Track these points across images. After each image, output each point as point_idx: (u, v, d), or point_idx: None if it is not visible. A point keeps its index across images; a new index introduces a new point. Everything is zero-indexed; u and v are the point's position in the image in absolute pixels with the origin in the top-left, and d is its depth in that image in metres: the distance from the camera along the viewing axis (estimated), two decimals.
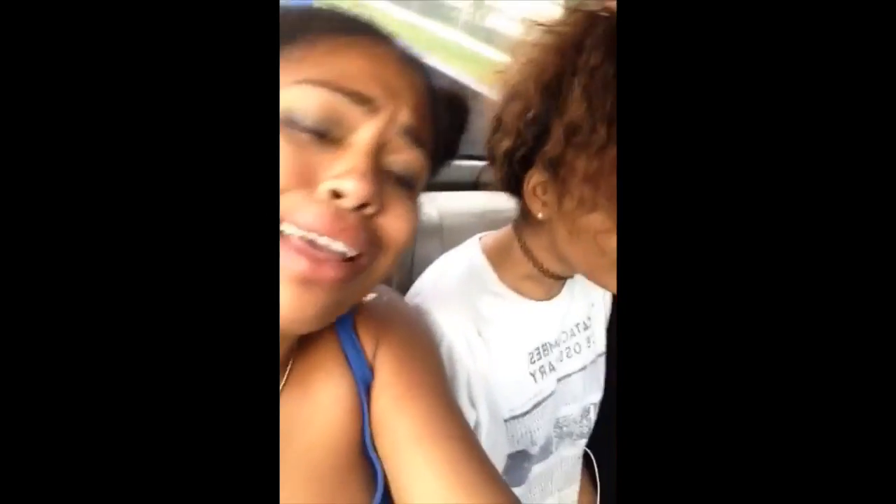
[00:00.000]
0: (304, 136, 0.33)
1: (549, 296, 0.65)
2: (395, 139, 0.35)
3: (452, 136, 0.47)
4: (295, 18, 0.36)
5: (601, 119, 0.47)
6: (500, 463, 0.62)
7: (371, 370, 0.43)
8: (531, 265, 0.61)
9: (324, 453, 0.40)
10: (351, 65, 0.34)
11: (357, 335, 0.45)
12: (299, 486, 0.38)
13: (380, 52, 0.37)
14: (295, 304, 0.32)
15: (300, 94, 0.33)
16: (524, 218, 0.61)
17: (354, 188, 0.32)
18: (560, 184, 0.52)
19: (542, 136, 0.52)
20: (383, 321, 0.46)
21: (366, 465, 0.41)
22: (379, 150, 0.35)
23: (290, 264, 0.31)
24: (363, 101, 0.34)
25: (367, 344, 0.44)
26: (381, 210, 0.35)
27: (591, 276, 0.58)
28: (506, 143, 0.54)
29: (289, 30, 0.34)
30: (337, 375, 0.43)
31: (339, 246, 0.33)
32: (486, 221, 0.77)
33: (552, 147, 0.50)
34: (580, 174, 0.49)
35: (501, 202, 0.65)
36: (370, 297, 0.46)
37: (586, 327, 0.73)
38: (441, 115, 0.42)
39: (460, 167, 0.97)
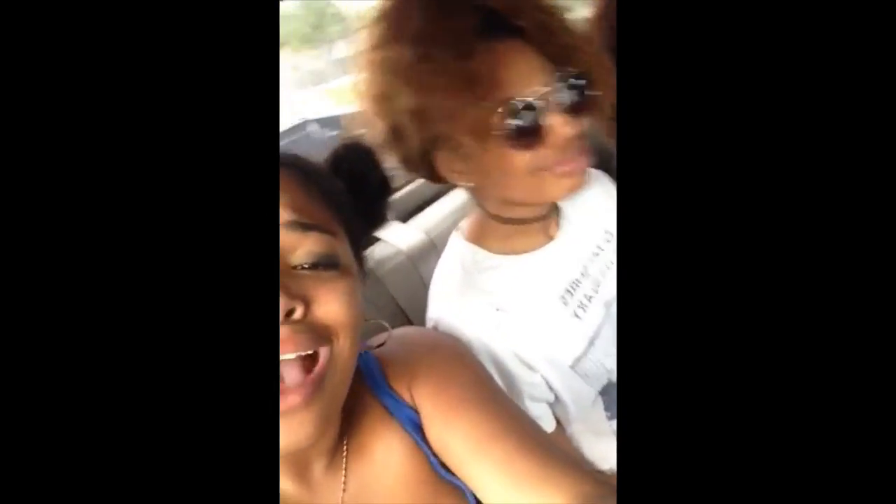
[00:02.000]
0: None
1: (547, 237, 0.66)
2: (285, 237, 0.37)
3: (363, 184, 0.49)
4: None
5: (426, 88, 0.49)
6: (590, 404, 0.63)
7: (414, 410, 0.46)
8: (505, 224, 0.62)
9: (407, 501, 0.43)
10: None
11: (392, 388, 0.47)
12: None
13: None
14: (289, 434, 0.34)
15: None
16: (470, 192, 0.63)
17: None
18: (457, 150, 0.54)
19: (408, 133, 0.53)
20: (408, 363, 0.48)
21: (451, 490, 0.44)
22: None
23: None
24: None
25: (403, 391, 0.47)
26: (309, 306, 0.36)
27: (542, 198, 0.59)
28: (401, 150, 0.56)
29: None
30: (383, 430, 0.46)
31: (287, 358, 0.35)
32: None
33: (418, 134, 0.53)
34: (453, 136, 0.52)
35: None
36: (378, 339, 0.48)
37: (611, 238, 0.71)
38: (330, 181, 0.44)
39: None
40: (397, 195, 1.00)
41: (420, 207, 0.98)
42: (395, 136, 0.54)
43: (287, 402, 0.34)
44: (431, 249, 0.86)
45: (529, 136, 0.52)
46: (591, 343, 0.63)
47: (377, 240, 0.90)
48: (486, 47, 0.50)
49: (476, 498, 0.43)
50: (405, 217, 0.94)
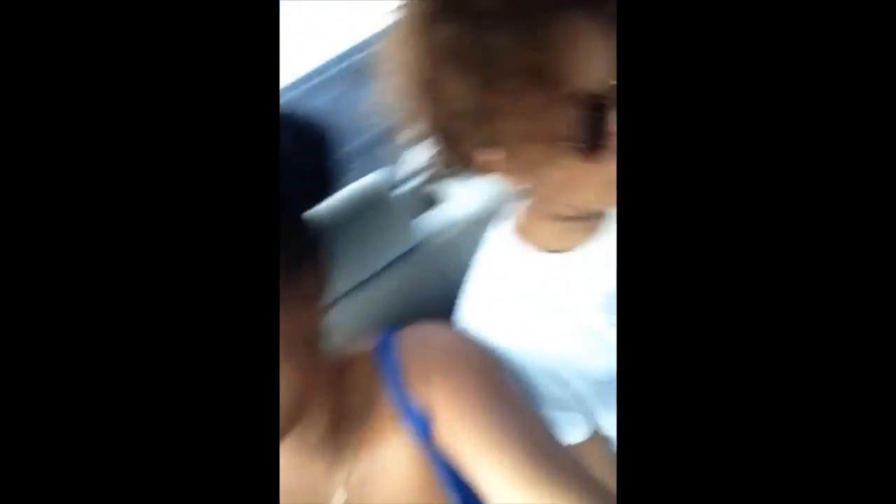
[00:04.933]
0: None
1: (595, 234, 0.58)
2: None
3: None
4: None
5: (480, 85, 0.42)
6: None
7: (426, 415, 0.44)
8: (556, 222, 0.56)
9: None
10: None
11: (407, 390, 0.45)
12: None
13: None
14: None
15: None
16: (524, 191, 0.57)
17: None
18: (516, 154, 0.46)
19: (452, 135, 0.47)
20: (428, 365, 0.46)
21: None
22: None
23: None
24: None
25: (419, 393, 0.45)
26: None
27: (604, 204, 0.51)
28: (443, 143, 0.49)
29: None
30: (391, 433, 0.45)
31: None
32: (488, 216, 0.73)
33: (469, 137, 0.45)
34: (512, 140, 0.44)
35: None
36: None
37: None
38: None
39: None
40: None
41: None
42: (438, 131, 0.48)
43: None
44: (485, 219, 0.78)
45: (598, 142, 0.43)
46: None
47: (431, 203, 0.87)
48: (556, 23, 0.41)
49: None
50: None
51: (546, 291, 0.56)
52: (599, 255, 0.58)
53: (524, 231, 0.59)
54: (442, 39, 0.43)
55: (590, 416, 0.56)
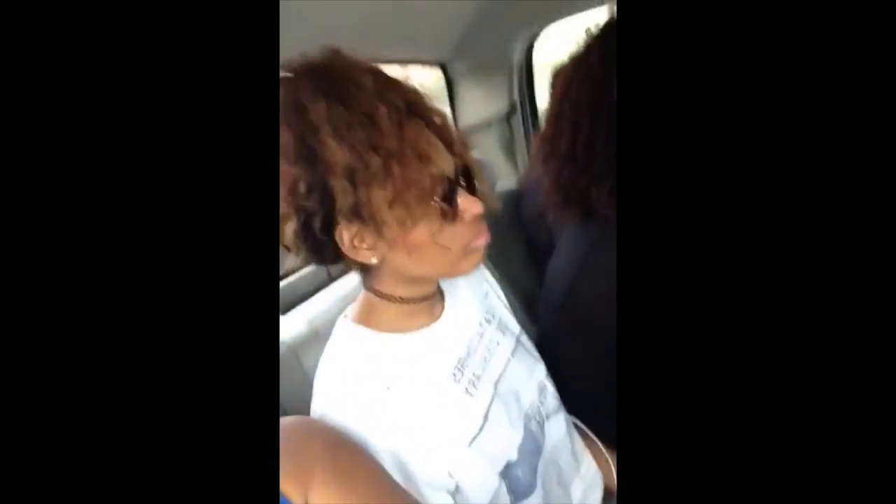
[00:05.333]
0: None
1: (433, 317, 0.65)
2: None
3: None
4: None
5: (365, 149, 0.49)
6: (494, 490, 0.59)
7: None
8: (395, 304, 0.60)
9: None
10: None
11: (284, 494, 0.41)
12: None
13: None
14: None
15: None
16: (363, 271, 0.61)
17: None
18: (371, 222, 0.52)
19: (324, 197, 0.52)
20: (302, 464, 0.43)
21: None
22: None
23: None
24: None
25: (296, 494, 0.41)
26: None
27: (451, 273, 0.59)
28: (292, 225, 0.54)
29: None
30: None
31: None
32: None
33: (343, 199, 0.50)
34: (384, 204, 0.50)
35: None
36: None
37: (491, 319, 0.73)
38: None
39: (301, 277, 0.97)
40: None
41: (301, 299, 0.93)
42: (291, 212, 0.52)
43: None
44: (315, 339, 0.80)
45: (451, 211, 0.53)
46: (486, 418, 0.61)
47: None
48: (415, 123, 0.51)
49: None
50: (286, 310, 0.89)
51: (396, 369, 0.57)
52: (443, 332, 0.62)
53: (367, 318, 0.61)
54: (322, 115, 0.49)
55: (456, 496, 0.56)
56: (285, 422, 0.46)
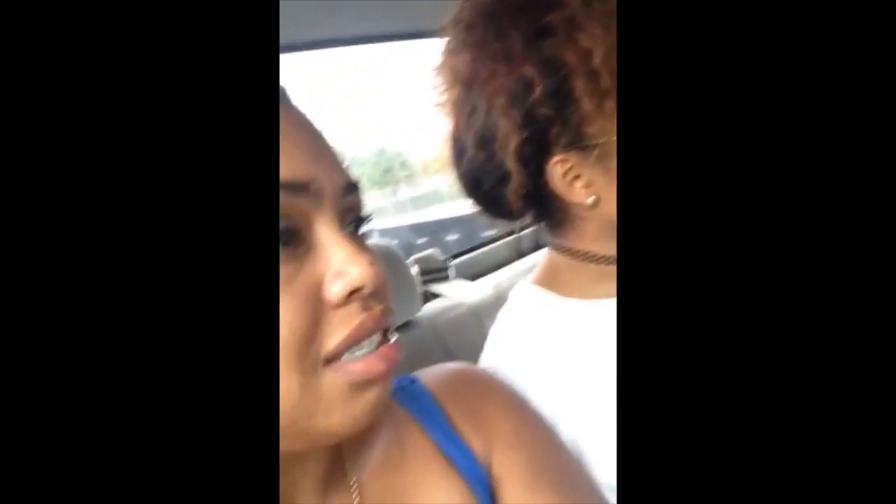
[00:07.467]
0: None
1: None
2: (339, 203, 0.31)
3: None
4: None
5: (609, 52, 0.41)
6: None
7: (485, 470, 0.40)
8: (590, 265, 0.55)
9: None
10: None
11: (460, 435, 0.40)
12: None
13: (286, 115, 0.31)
14: (366, 409, 0.30)
15: None
16: (557, 226, 0.56)
17: (361, 278, 0.29)
18: (593, 150, 0.44)
19: (561, 105, 0.44)
20: (478, 410, 0.41)
21: None
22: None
23: (369, 372, 0.29)
24: (300, 189, 0.29)
25: (473, 440, 0.40)
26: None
27: None
28: (514, 139, 0.46)
29: None
30: (441, 480, 0.39)
31: (388, 328, 0.31)
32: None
33: (584, 112, 0.43)
34: (614, 124, 0.42)
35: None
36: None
37: None
38: None
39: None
40: (467, 257, 0.99)
41: (494, 269, 0.97)
42: (544, 104, 0.44)
43: (372, 368, 0.29)
44: (498, 303, 0.82)
45: None
46: None
47: (436, 296, 0.89)
48: None
49: None
50: (475, 277, 0.93)
51: (572, 338, 0.54)
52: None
53: (549, 281, 0.58)
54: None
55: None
56: (449, 365, 0.45)
